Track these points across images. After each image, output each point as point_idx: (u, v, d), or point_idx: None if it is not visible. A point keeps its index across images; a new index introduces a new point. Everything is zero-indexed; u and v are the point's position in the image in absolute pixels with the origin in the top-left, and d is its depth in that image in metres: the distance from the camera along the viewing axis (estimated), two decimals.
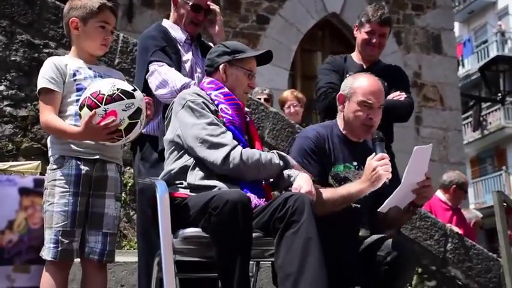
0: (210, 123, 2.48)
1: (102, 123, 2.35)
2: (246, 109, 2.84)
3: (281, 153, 2.57)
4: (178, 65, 3.06)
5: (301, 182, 2.43)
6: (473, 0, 23.69)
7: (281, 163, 2.50)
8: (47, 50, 4.48)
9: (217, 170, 2.45)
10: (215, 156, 2.43)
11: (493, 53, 21.77)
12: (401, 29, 9.80)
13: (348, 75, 3.40)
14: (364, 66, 3.62)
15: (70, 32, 2.66)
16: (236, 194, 2.24)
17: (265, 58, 2.76)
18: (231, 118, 2.59)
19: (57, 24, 4.54)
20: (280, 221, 2.27)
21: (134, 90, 2.45)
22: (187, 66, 3.13)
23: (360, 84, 2.76)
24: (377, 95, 2.73)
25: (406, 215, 2.74)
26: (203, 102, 2.54)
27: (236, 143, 2.47)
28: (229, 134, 2.49)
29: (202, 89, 2.67)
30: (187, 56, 3.15)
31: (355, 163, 2.76)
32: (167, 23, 3.24)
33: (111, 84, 2.42)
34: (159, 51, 3.01)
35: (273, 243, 2.30)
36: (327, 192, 2.58)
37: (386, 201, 2.55)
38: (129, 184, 4.24)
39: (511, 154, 23.11)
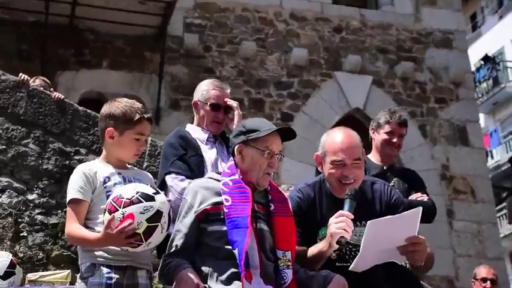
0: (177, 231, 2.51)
1: (118, 228, 2.31)
2: (282, 192, 2.69)
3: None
4: (198, 165, 3.09)
5: None
6: (496, 92, 23.91)
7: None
8: (77, 157, 4.58)
9: None
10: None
11: None
12: (425, 122, 9.87)
13: (368, 174, 3.44)
14: (384, 167, 3.70)
15: (104, 138, 2.67)
16: None
17: (288, 134, 2.62)
18: (227, 211, 2.44)
19: (88, 131, 4.67)
20: None
21: (156, 193, 2.41)
22: (209, 163, 3.15)
23: (329, 143, 2.70)
24: (348, 152, 2.64)
25: (415, 267, 2.61)
26: (189, 206, 2.51)
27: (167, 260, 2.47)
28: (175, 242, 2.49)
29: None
30: (210, 154, 3.18)
31: None
32: (189, 127, 3.32)
33: (132, 188, 2.41)
34: (178, 161, 3.05)
35: None
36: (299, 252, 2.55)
37: (353, 262, 2.43)
38: None
39: None
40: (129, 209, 2.33)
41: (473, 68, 15.66)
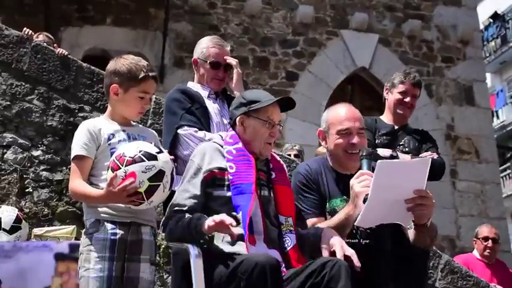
0: (185, 190, 2.48)
1: (120, 186, 2.33)
2: (281, 161, 2.74)
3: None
4: (205, 116, 3.11)
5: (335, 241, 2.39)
6: (504, 51, 23.60)
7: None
8: (81, 114, 4.58)
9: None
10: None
11: None
12: (431, 82, 9.78)
13: (378, 134, 3.44)
14: (395, 127, 3.69)
15: (109, 94, 2.67)
16: (264, 257, 2.20)
17: (288, 104, 2.67)
18: (231, 177, 2.48)
19: (92, 88, 4.65)
20: (317, 287, 2.21)
21: (159, 152, 2.42)
22: (214, 115, 3.17)
23: (333, 115, 2.76)
24: (352, 120, 2.71)
25: (418, 235, 2.55)
26: (198, 165, 2.50)
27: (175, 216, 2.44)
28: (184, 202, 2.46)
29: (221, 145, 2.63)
30: (214, 108, 3.20)
31: None
32: (190, 84, 3.32)
33: (135, 146, 2.42)
34: (187, 114, 3.06)
35: None
36: (325, 225, 2.55)
37: (358, 216, 2.41)
38: (163, 246, 4.21)
39: None
40: (131, 167, 2.34)
41: (481, 26, 15.44)
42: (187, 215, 2.41)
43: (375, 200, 2.33)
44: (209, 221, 2.30)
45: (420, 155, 3.51)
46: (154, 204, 2.48)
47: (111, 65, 2.67)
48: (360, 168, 2.56)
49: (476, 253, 5.41)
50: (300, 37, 9.49)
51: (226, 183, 2.49)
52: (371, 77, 9.56)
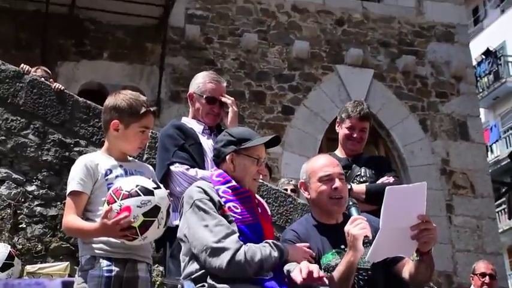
0: (217, 225, 2.41)
1: (114, 219, 2.30)
2: (258, 197, 2.76)
3: (275, 242, 2.47)
4: (199, 153, 3.11)
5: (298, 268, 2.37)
6: (497, 86, 23.96)
7: (276, 253, 2.41)
8: (77, 149, 4.57)
9: (222, 275, 2.35)
10: (219, 262, 2.34)
11: None
12: (426, 116, 9.85)
13: None
14: (349, 160, 3.68)
15: (108, 130, 2.66)
16: None
17: (273, 141, 2.73)
18: (240, 217, 2.50)
19: (88, 122, 4.65)
20: None
21: (156, 188, 2.41)
22: (208, 151, 3.16)
23: (313, 164, 2.82)
24: (332, 166, 2.76)
25: (420, 267, 2.53)
26: (210, 200, 2.48)
27: (240, 244, 2.38)
28: (233, 236, 2.40)
29: (210, 182, 2.63)
30: (208, 144, 3.19)
31: (342, 246, 2.64)
32: (185, 119, 3.33)
33: (133, 181, 2.41)
34: (179, 151, 3.06)
35: None
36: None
37: (370, 250, 2.40)
38: (157, 283, 4.16)
39: None
40: (126, 201, 2.33)
41: (474, 63, 15.63)
42: (244, 247, 2.37)
43: (385, 230, 2.33)
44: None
45: (378, 181, 3.49)
46: (148, 240, 2.45)
47: (111, 101, 2.67)
48: (350, 216, 2.57)
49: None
50: (296, 72, 9.57)
51: (230, 219, 2.48)
52: None
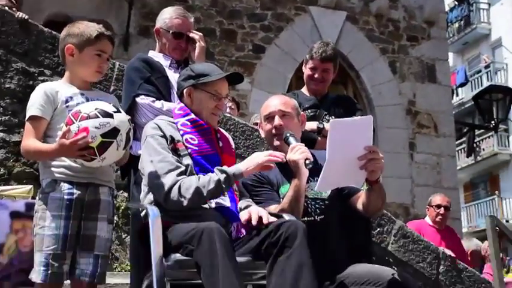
0: (160, 161, 2.48)
1: (72, 139, 2.32)
2: (226, 134, 2.84)
3: (221, 168, 2.50)
4: (165, 86, 3.12)
5: (247, 212, 2.45)
6: (467, 32, 24.14)
7: (221, 176, 2.44)
8: (41, 78, 4.52)
9: (166, 207, 2.44)
10: (159, 196, 2.46)
11: (486, 83, 22.14)
12: (396, 59, 9.92)
13: (302, 108, 3.45)
14: (317, 98, 3.72)
15: (65, 58, 2.66)
16: (212, 225, 2.26)
17: (235, 78, 2.78)
18: (197, 148, 2.57)
19: (53, 53, 4.57)
20: (273, 246, 2.27)
21: (116, 112, 2.42)
22: (175, 84, 3.12)
23: (263, 106, 2.93)
24: (273, 106, 2.86)
25: (370, 196, 2.63)
26: (162, 137, 2.54)
27: (176, 179, 2.43)
28: (173, 172, 2.45)
29: (172, 116, 2.69)
30: (175, 77, 3.16)
31: None
32: (151, 53, 3.31)
33: (93, 104, 2.42)
34: (145, 84, 3.06)
35: (263, 267, 2.30)
36: (280, 206, 2.65)
37: (318, 181, 2.48)
38: (122, 207, 4.23)
39: (504, 179, 23.45)
40: (84, 122, 2.34)
41: (447, 8, 15.64)
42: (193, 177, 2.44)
43: (332, 161, 2.38)
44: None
45: None
46: (107, 162, 2.46)
47: (65, 30, 2.69)
48: (289, 145, 2.68)
49: (428, 219, 5.64)
50: (268, 11, 9.46)
51: (184, 153, 2.55)
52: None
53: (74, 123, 2.35)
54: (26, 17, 4.72)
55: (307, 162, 2.52)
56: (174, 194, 2.42)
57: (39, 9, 8.28)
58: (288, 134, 2.73)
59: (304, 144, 2.64)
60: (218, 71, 2.73)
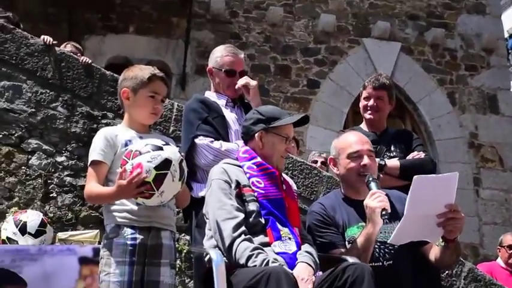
0: (220, 208, 2.50)
1: (129, 178, 2.33)
2: (284, 175, 2.82)
3: (274, 258, 2.44)
4: (223, 125, 3.14)
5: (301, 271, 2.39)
6: None
7: (271, 261, 2.38)
8: (105, 121, 4.64)
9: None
10: (221, 246, 2.48)
11: None
12: (455, 90, 9.69)
13: None
14: (377, 133, 3.67)
15: (123, 102, 2.74)
16: (279, 268, 2.24)
17: (302, 120, 2.78)
18: (263, 192, 2.58)
19: (115, 95, 4.69)
20: None
21: (165, 144, 2.44)
22: (232, 124, 3.20)
23: (343, 141, 2.87)
24: (361, 143, 2.80)
25: (445, 253, 2.57)
26: (225, 181, 2.56)
27: (234, 236, 2.43)
28: (232, 221, 2.45)
29: (237, 159, 2.70)
30: (231, 117, 3.22)
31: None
32: (208, 93, 3.36)
33: (144, 142, 2.45)
34: (203, 124, 3.09)
35: None
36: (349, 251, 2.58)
37: (393, 233, 2.43)
38: (184, 251, 4.23)
39: None
40: (136, 159, 2.36)
41: (506, 35, 15.25)
42: (252, 246, 2.42)
43: (410, 216, 2.35)
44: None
45: (408, 157, 3.49)
46: (167, 196, 2.44)
47: (122, 75, 2.76)
48: (370, 189, 2.61)
49: (500, 261, 5.36)
50: (322, 45, 9.48)
51: (250, 198, 2.56)
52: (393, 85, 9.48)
53: (127, 162, 2.38)
54: (90, 61, 4.89)
55: (383, 213, 2.48)
56: (232, 251, 2.42)
57: (101, 53, 8.61)
58: (371, 178, 2.68)
59: (385, 193, 2.58)
60: (285, 114, 2.78)
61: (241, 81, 3.28)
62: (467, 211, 8.74)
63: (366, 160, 2.74)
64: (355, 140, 2.83)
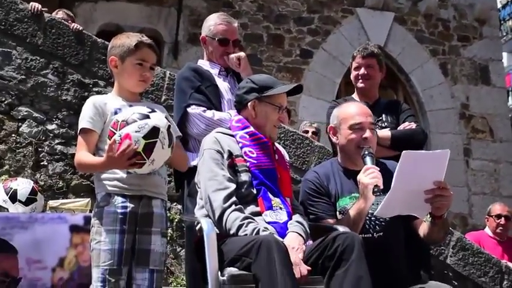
0: (210, 178, 2.50)
1: (119, 151, 2.32)
2: (277, 145, 2.82)
3: (270, 228, 2.45)
4: (215, 95, 3.12)
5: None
6: None
7: (262, 230, 2.38)
8: (96, 89, 4.61)
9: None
10: (211, 216, 2.48)
11: None
12: (447, 61, 9.69)
13: None
14: (369, 104, 3.64)
15: (112, 71, 2.71)
16: (270, 237, 2.25)
17: (295, 89, 2.75)
18: (255, 162, 2.58)
19: (106, 63, 4.65)
20: (330, 259, 2.25)
21: (152, 111, 2.42)
22: (224, 93, 3.19)
23: (344, 111, 2.82)
24: (364, 115, 2.77)
25: (432, 229, 2.56)
26: (218, 151, 2.55)
27: (224, 207, 2.44)
28: (222, 192, 2.46)
29: (229, 128, 2.70)
30: (224, 86, 3.21)
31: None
32: (200, 62, 3.33)
33: (130, 111, 2.43)
34: (195, 93, 3.07)
35: (321, 282, 2.27)
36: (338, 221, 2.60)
37: (379, 206, 2.43)
38: (176, 220, 4.26)
39: None
40: (124, 129, 2.35)
41: (499, 5, 15.20)
42: (242, 215, 2.42)
43: (396, 191, 2.34)
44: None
45: (399, 127, 3.50)
46: (157, 163, 2.44)
47: (110, 44, 2.73)
48: (364, 164, 2.61)
49: (488, 230, 5.42)
50: (315, 15, 9.40)
51: (242, 168, 2.56)
52: (386, 55, 9.44)
53: (115, 133, 2.37)
54: (81, 28, 4.82)
55: (375, 189, 2.48)
56: (223, 222, 2.43)
57: (92, 20, 8.50)
58: (367, 152, 2.66)
59: (379, 169, 2.56)
60: (279, 83, 2.76)
61: (242, 54, 3.26)
62: (457, 181, 8.84)
63: (367, 133, 2.72)
64: (358, 111, 2.79)
